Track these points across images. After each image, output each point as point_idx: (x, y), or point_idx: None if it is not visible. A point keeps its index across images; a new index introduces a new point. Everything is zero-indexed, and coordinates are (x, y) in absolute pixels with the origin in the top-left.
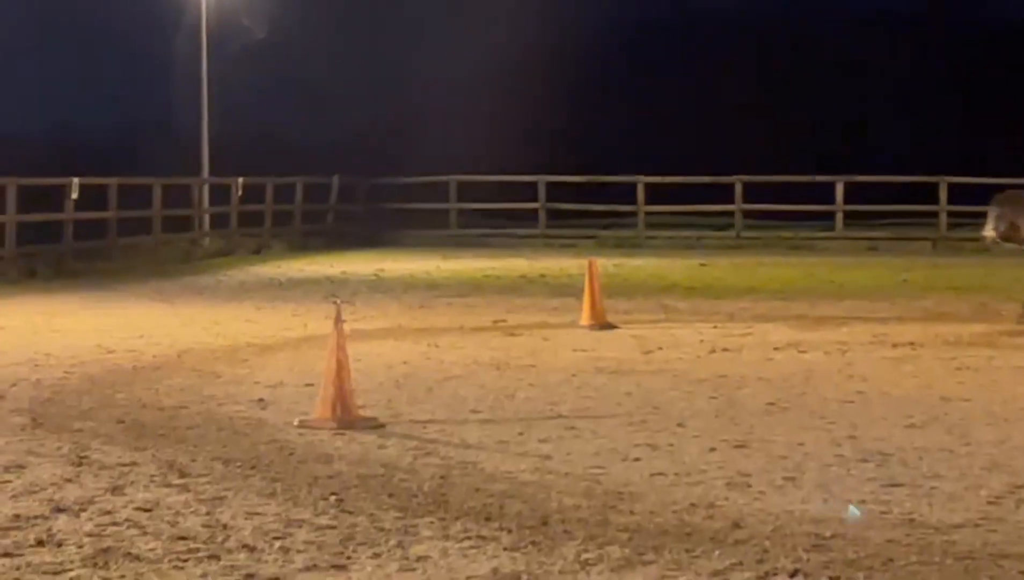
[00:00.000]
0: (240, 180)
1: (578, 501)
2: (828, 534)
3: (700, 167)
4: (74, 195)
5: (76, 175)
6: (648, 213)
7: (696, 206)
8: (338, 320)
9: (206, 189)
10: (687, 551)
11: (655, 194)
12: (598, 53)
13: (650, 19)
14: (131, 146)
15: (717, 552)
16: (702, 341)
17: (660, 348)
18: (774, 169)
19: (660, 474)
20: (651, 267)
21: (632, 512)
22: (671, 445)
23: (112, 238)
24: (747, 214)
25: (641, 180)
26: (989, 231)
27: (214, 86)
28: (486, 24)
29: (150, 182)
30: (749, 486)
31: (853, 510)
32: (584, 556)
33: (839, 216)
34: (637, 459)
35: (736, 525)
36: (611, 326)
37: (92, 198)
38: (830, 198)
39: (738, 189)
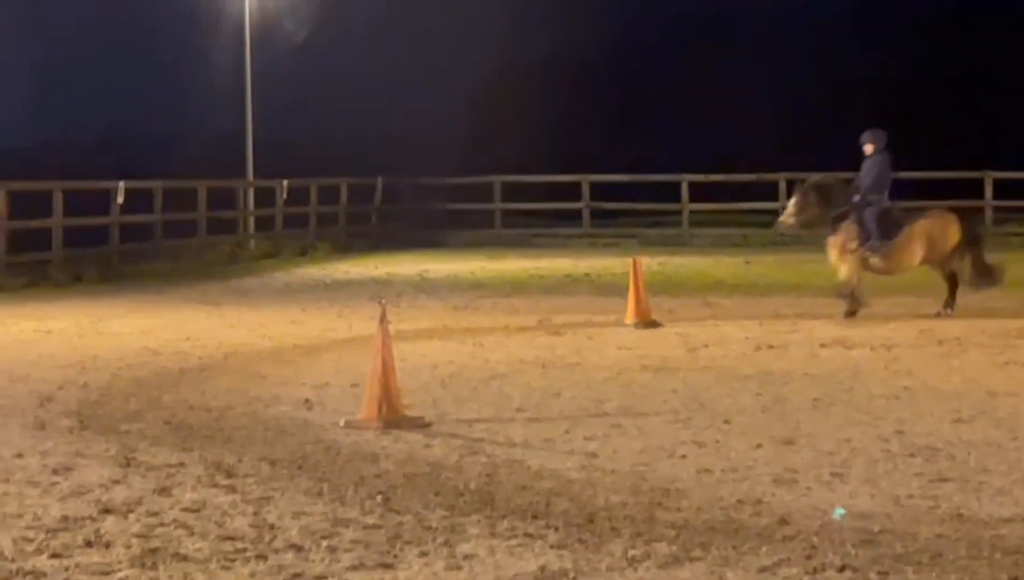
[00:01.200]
0: (285, 182)
1: (625, 498)
2: (876, 529)
3: (744, 165)
4: (120, 198)
5: (122, 178)
6: (692, 211)
7: (740, 204)
8: (383, 320)
9: (251, 191)
10: (734, 547)
11: (699, 192)
12: (639, 50)
13: (691, 14)
14: (176, 149)
15: (765, 548)
16: (747, 338)
17: (706, 345)
18: (818, 166)
19: (707, 471)
20: (696, 265)
21: (679, 509)
22: (717, 442)
23: (158, 241)
24: None
25: (685, 178)
26: (788, 218)
27: (258, 88)
28: (528, 23)
29: (195, 185)
30: (796, 482)
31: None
32: (631, 553)
33: None
34: (683, 456)
35: (784, 521)
36: (656, 324)
37: (137, 201)
38: None
39: (782, 186)
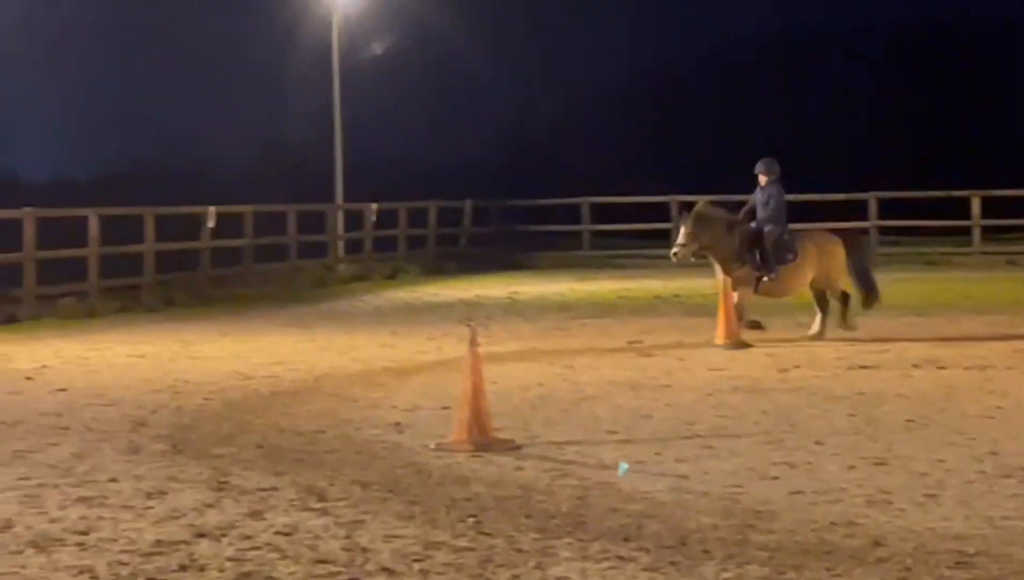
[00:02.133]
0: (374, 205)
1: (716, 520)
2: (971, 551)
3: (834, 184)
4: (211, 223)
5: (212, 204)
6: None
7: (831, 223)
8: (473, 343)
9: (340, 215)
10: (827, 570)
11: (789, 212)
12: (727, 70)
13: (789, 34)
14: (265, 174)
15: (858, 570)
16: (839, 358)
17: (796, 366)
18: (909, 185)
19: (799, 492)
20: None
21: (771, 531)
22: (809, 463)
23: (248, 265)
24: (882, 230)
25: None
26: (681, 249)
27: (346, 112)
28: (614, 48)
29: (285, 209)
30: (890, 503)
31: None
32: (723, 575)
33: (976, 231)
34: (775, 477)
35: (877, 543)
36: (746, 345)
37: (228, 225)
38: (967, 213)
39: (873, 205)
